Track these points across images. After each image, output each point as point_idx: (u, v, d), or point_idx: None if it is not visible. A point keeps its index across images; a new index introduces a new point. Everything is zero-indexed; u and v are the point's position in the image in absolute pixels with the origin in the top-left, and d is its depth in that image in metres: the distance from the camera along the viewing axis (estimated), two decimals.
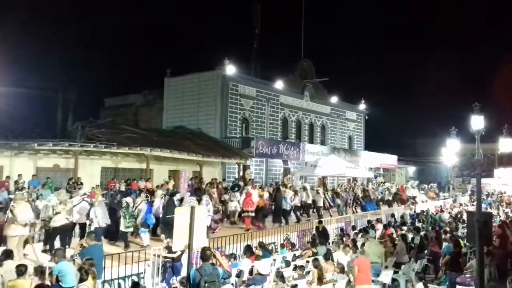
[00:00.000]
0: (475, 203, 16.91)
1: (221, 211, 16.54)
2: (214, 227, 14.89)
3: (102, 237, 11.56)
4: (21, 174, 15.81)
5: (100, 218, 11.60)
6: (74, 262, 8.21)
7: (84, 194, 13.13)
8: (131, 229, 12.31)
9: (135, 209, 12.50)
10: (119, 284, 9.69)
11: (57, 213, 10.83)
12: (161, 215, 13.32)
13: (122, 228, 12.05)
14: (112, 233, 12.46)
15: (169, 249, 10.02)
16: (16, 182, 15.24)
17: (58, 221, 10.83)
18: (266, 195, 18.32)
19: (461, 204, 30.82)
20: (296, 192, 18.95)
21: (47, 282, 7.47)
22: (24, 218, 10.05)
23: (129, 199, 12.55)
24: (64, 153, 18.04)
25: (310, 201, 19.90)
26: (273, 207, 18.02)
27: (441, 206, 28.00)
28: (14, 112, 19.65)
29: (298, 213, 18.47)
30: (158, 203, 13.85)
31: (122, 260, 9.92)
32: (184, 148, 21.72)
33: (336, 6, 77.07)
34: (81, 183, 16.36)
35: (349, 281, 10.10)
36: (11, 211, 10.20)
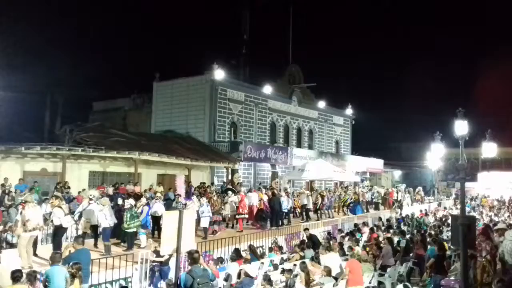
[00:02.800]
0: (459, 206, 17.19)
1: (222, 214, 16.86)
2: (217, 229, 15.59)
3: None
4: (7, 178, 15.69)
5: (110, 218, 12.09)
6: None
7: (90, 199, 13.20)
8: (134, 230, 12.47)
9: (138, 211, 12.86)
10: None
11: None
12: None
13: (124, 228, 12.41)
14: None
15: (157, 253, 10.06)
16: (2, 186, 15.12)
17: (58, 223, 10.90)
18: (265, 198, 18.49)
19: (445, 208, 31.22)
20: (287, 195, 19.35)
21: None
22: (34, 219, 10.12)
23: (131, 201, 12.80)
24: (51, 157, 17.94)
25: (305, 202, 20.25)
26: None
27: (426, 209, 28.34)
28: (1, 116, 19.47)
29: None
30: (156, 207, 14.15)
31: (110, 264, 9.94)
32: (173, 152, 21.73)
33: (323, 12, 77.67)
34: (69, 187, 16.30)
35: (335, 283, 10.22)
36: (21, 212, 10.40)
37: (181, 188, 16.96)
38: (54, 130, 21.31)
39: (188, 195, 17.24)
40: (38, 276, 7.74)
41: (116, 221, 12.47)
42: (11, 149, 16.72)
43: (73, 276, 7.53)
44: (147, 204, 13.95)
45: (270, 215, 17.75)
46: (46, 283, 7.44)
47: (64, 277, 7.48)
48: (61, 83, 32.97)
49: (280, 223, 17.88)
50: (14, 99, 22.80)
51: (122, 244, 12.90)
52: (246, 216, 17.13)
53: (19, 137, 17.54)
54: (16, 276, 6.93)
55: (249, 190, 18.95)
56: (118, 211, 13.01)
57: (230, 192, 17.93)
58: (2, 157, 16.99)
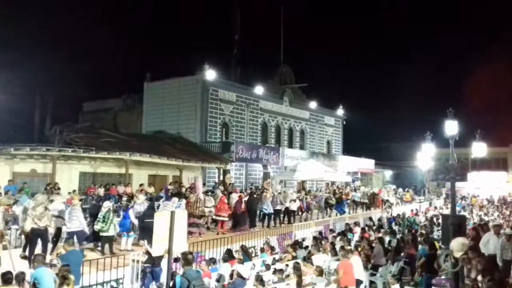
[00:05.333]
0: (449, 206, 17.31)
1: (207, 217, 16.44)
2: (197, 231, 15.00)
3: (84, 242, 11.51)
4: None
5: (74, 222, 11.41)
6: (51, 267, 8.10)
7: (64, 202, 12.93)
8: (109, 233, 12.17)
9: (120, 215, 12.57)
10: None
11: (35, 216, 10.63)
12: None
13: (101, 232, 12.01)
14: (93, 238, 12.42)
15: (148, 254, 10.00)
16: None
17: (29, 225, 10.58)
18: (245, 199, 18.37)
19: (436, 207, 31.47)
20: (273, 197, 19.05)
21: None
22: None
23: (107, 203, 12.45)
24: (41, 158, 17.77)
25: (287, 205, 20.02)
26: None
27: (416, 209, 28.54)
28: None
29: (280, 216, 18.78)
30: (139, 208, 13.77)
31: (101, 266, 9.86)
32: (164, 152, 21.65)
33: (314, 12, 77.96)
34: (59, 188, 16.14)
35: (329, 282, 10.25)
36: None
37: (199, 190, 16.64)
38: (44, 131, 21.12)
39: (167, 196, 16.88)
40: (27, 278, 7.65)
41: (84, 227, 11.78)
42: (0, 150, 16.53)
43: (64, 278, 7.45)
44: (127, 206, 13.50)
45: (247, 217, 17.47)
46: (36, 285, 7.34)
47: (52, 279, 7.41)
48: (51, 84, 32.70)
49: (266, 225, 17.74)
50: (3, 99, 22.56)
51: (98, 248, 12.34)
52: (226, 219, 16.40)
53: (8, 138, 17.35)
54: (7, 278, 6.84)
55: (231, 192, 18.61)
56: (96, 215, 12.58)
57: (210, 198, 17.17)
58: None
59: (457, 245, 9.63)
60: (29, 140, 18.03)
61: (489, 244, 11.23)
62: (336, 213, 23.01)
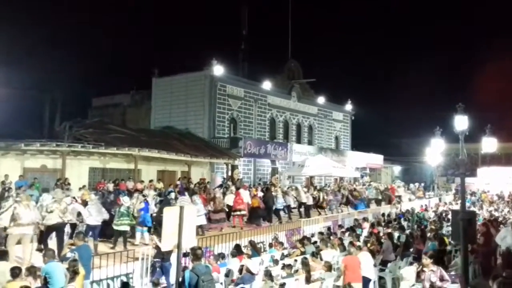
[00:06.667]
0: (459, 201, 17.19)
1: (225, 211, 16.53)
2: (219, 226, 15.33)
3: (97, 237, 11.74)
4: (8, 174, 15.67)
5: (95, 216, 11.76)
6: (66, 261, 8.16)
7: (73, 198, 13.07)
8: (124, 228, 12.35)
9: (133, 209, 12.70)
10: (107, 284, 9.69)
11: (50, 212, 10.79)
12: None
13: (114, 226, 12.23)
14: (106, 232, 12.59)
15: (157, 249, 10.06)
16: (2, 183, 15.08)
17: (51, 220, 10.79)
18: (260, 194, 18.43)
19: (445, 203, 31.24)
20: (285, 193, 19.20)
21: (39, 283, 7.45)
22: (26, 217, 10.02)
23: (126, 198, 12.67)
24: (51, 154, 17.91)
25: (305, 200, 20.11)
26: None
27: (426, 205, 28.37)
28: (1, 112, 19.42)
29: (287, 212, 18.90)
30: (151, 203, 14.00)
31: (111, 260, 9.95)
32: (173, 148, 21.72)
33: (322, 7, 77.51)
34: (69, 184, 16.27)
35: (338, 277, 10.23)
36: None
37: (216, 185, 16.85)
38: (53, 127, 21.21)
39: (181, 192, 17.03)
40: (38, 273, 7.73)
41: (101, 220, 12.05)
42: (10, 145, 16.71)
43: (74, 272, 7.53)
44: (145, 200, 13.64)
45: (265, 212, 17.69)
46: (47, 280, 7.42)
47: (63, 273, 7.48)
48: (60, 80, 32.98)
49: (277, 220, 17.77)
50: (13, 95, 22.73)
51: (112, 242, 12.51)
52: (243, 213, 16.55)
53: (18, 134, 17.48)
54: (14, 272, 6.94)
55: (238, 188, 18.72)
56: (107, 210, 12.76)
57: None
58: (2, 154, 17.01)
59: None
60: (39, 136, 18.15)
61: (507, 239, 11.23)
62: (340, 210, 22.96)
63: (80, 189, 15.73)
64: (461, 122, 11.39)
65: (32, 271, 7.46)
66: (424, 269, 9.14)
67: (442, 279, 8.92)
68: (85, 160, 19.26)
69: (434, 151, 17.45)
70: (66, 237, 11.91)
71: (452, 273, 10.99)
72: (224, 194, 17.17)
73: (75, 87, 33.46)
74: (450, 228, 13.68)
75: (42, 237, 11.06)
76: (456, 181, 38.70)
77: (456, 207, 24.54)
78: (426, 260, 9.25)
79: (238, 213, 16.42)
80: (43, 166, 18.05)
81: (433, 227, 17.10)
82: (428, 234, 14.39)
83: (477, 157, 43.89)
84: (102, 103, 36.24)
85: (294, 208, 19.91)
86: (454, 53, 77.16)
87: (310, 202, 20.20)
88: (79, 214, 12.01)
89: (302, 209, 19.61)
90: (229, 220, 16.61)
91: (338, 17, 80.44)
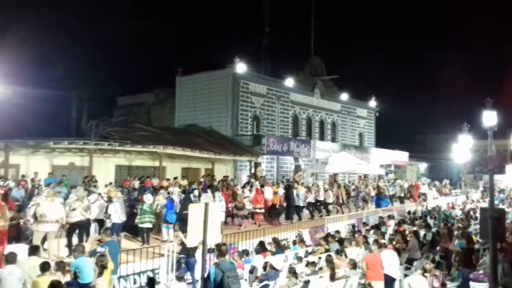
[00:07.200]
0: (487, 199, 16.83)
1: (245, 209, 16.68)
2: (241, 223, 15.59)
3: (120, 233, 11.94)
4: (37, 172, 16.11)
5: (120, 213, 12.05)
6: (95, 256, 8.32)
7: (99, 194, 13.35)
8: (147, 225, 12.57)
9: (156, 206, 12.89)
10: (134, 280, 9.89)
11: (73, 209, 11.05)
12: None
13: (138, 223, 12.43)
14: (130, 229, 12.82)
15: (183, 245, 10.19)
16: (32, 180, 15.52)
17: (74, 217, 11.05)
18: (281, 191, 18.44)
19: (473, 201, 30.57)
20: (309, 189, 19.14)
21: (68, 278, 7.65)
22: (51, 214, 10.23)
23: (150, 197, 12.88)
24: (79, 151, 18.34)
25: (322, 198, 19.96)
26: (285, 204, 18.19)
27: (452, 202, 27.84)
28: (30, 112, 19.98)
29: (311, 209, 18.80)
30: (176, 200, 14.17)
31: (138, 256, 10.13)
32: (196, 146, 21.92)
33: (345, 3, 76.75)
34: (96, 181, 16.60)
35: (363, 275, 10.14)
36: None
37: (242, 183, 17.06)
38: (80, 125, 21.72)
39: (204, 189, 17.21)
40: (67, 268, 7.92)
41: (125, 218, 12.45)
42: (40, 144, 17.15)
43: (103, 267, 7.70)
44: (168, 197, 13.80)
45: (284, 209, 17.64)
46: (77, 274, 7.60)
47: (92, 268, 7.67)
48: (86, 79, 33.64)
49: (297, 217, 17.68)
50: (42, 95, 23.35)
51: (138, 239, 12.80)
52: (261, 211, 16.62)
53: (47, 132, 17.95)
54: (44, 267, 7.13)
55: (262, 185, 18.74)
56: (132, 206, 13.05)
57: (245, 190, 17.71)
58: (32, 152, 17.48)
59: None
60: (67, 134, 18.62)
61: None
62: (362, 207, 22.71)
63: (106, 185, 16.03)
64: (489, 118, 11.15)
65: (61, 266, 7.65)
66: (426, 274, 8.92)
67: (443, 284, 8.75)
68: (112, 157, 19.63)
69: (462, 148, 17.14)
70: (94, 233, 12.24)
71: (481, 272, 10.78)
72: (250, 191, 17.25)
73: (101, 87, 34.06)
74: (477, 227, 13.44)
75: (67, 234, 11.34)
76: (483, 178, 37.80)
77: (484, 204, 23.99)
78: (428, 265, 9.04)
79: (258, 210, 16.50)
80: (71, 163, 18.48)
81: (460, 225, 16.77)
82: (456, 232, 14.13)
83: (506, 154, 42.74)
84: (127, 102, 36.81)
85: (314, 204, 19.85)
86: (483, 46, 75.35)
87: (330, 199, 20.03)
88: (106, 210, 12.28)
89: (321, 207, 19.48)
90: (252, 218, 16.70)
91: (362, 12, 79.54)
